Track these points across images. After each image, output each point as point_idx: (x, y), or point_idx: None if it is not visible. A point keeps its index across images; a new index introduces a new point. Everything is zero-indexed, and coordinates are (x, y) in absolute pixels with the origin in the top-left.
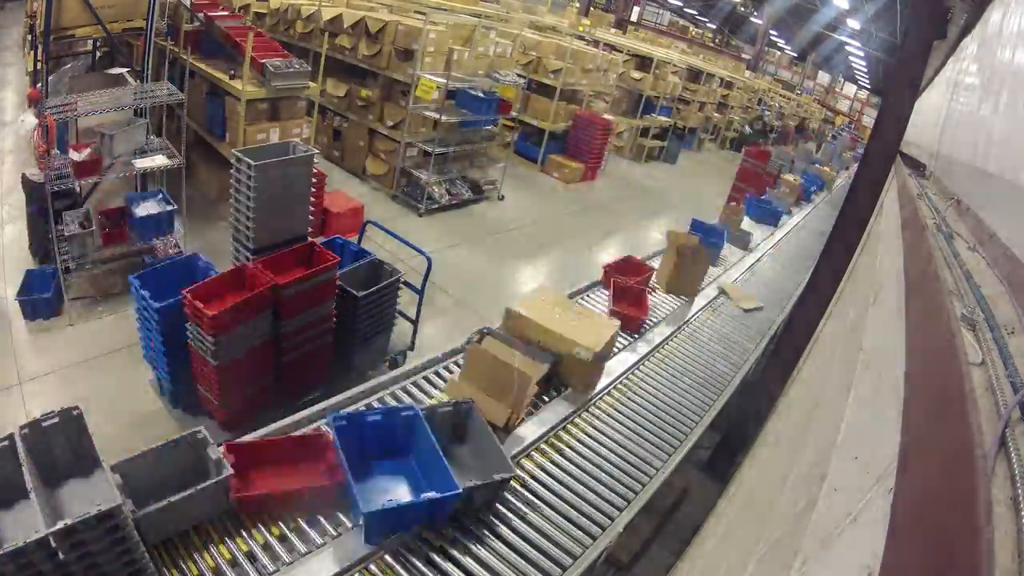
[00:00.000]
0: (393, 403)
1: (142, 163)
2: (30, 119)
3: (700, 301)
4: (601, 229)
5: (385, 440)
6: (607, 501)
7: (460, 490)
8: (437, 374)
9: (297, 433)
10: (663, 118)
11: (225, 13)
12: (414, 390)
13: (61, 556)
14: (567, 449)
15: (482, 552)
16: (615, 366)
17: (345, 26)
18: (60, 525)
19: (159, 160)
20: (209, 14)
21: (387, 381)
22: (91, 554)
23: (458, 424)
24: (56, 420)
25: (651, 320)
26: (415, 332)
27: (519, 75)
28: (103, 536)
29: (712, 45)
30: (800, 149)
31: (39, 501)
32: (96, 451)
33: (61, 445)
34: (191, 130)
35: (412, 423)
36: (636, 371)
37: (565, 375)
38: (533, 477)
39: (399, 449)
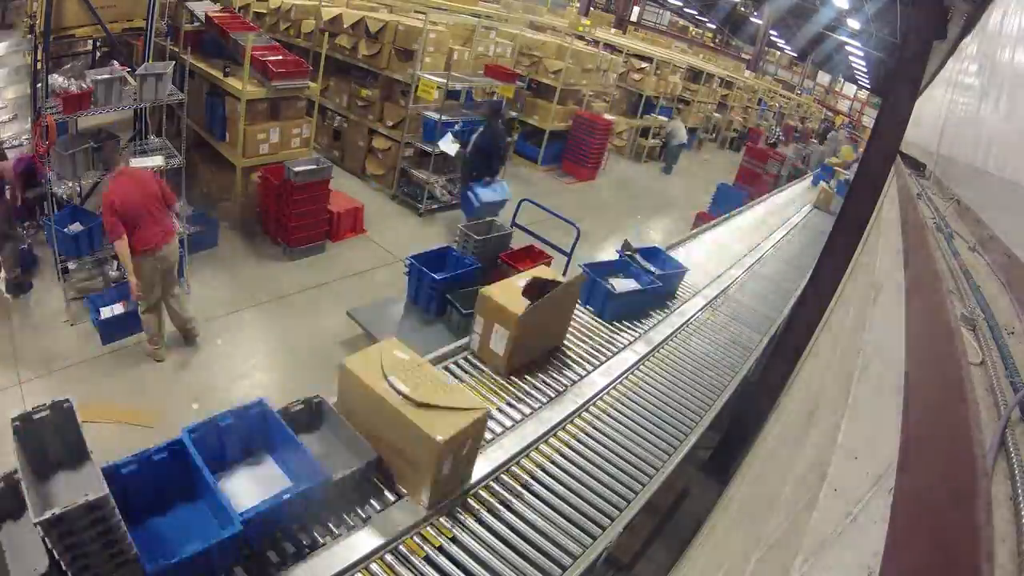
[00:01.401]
0: None
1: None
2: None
3: (699, 301)
4: (602, 229)
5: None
6: (607, 501)
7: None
8: None
9: None
10: (663, 118)
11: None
12: None
13: (48, 545)
14: (567, 449)
15: (482, 552)
16: (615, 366)
17: (345, 26)
18: (48, 514)
19: (156, 160)
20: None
21: None
22: (78, 544)
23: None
24: (47, 413)
25: (650, 320)
26: None
27: (519, 75)
28: (90, 526)
29: (712, 45)
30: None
31: (29, 491)
32: (86, 444)
33: (52, 437)
34: (191, 130)
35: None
36: (636, 371)
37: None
38: (533, 477)
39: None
